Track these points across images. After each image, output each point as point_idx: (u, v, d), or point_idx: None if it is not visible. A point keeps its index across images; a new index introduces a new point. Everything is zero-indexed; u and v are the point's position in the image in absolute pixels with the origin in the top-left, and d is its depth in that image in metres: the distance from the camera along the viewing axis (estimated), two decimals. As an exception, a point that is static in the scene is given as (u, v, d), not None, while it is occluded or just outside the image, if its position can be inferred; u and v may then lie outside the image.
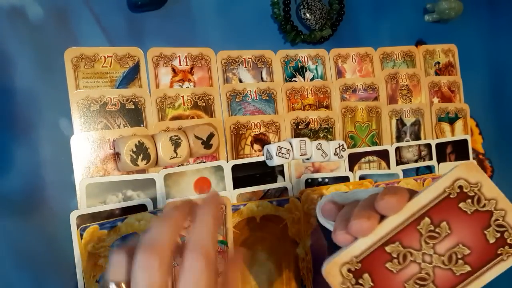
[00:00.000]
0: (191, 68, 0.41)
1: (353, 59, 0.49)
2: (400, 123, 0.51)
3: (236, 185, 0.42)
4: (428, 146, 0.53)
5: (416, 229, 0.23)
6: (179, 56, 0.41)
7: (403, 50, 0.52)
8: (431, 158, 0.53)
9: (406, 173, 0.51)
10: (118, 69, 0.39)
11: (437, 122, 0.54)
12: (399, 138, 0.51)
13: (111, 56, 0.38)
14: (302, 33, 0.46)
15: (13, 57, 0.35)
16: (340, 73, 0.49)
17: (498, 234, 0.23)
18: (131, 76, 0.39)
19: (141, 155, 0.36)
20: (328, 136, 0.47)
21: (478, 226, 0.22)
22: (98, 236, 0.36)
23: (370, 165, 0.49)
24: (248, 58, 0.44)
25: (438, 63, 0.55)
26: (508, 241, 0.23)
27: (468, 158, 0.55)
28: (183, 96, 0.41)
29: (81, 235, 0.36)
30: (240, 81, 0.44)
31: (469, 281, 0.23)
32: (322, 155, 0.45)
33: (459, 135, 0.55)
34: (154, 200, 0.39)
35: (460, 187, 0.23)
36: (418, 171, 0.52)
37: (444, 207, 0.23)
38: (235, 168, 0.42)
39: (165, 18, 0.41)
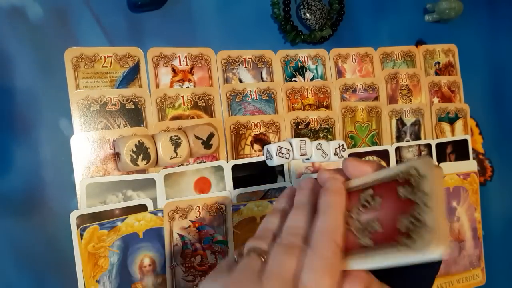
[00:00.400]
0: (191, 68, 0.41)
1: (353, 59, 0.49)
2: (400, 123, 0.51)
3: (236, 185, 0.42)
4: (428, 146, 0.53)
5: (359, 195, 0.24)
6: (179, 56, 0.41)
7: (403, 50, 0.52)
8: (431, 158, 0.53)
9: (406, 173, 0.51)
10: (118, 69, 0.39)
11: (437, 122, 0.54)
12: (399, 138, 0.51)
13: (111, 56, 0.38)
14: (302, 33, 0.46)
15: (13, 57, 0.35)
16: (340, 73, 0.49)
17: (411, 226, 0.22)
18: (131, 76, 0.39)
19: (141, 155, 0.36)
20: (328, 136, 0.47)
21: (399, 211, 0.23)
22: (98, 236, 0.36)
23: (370, 165, 0.49)
24: (248, 58, 0.44)
25: (438, 63, 0.55)
26: (412, 234, 0.22)
27: (468, 158, 0.55)
28: (183, 96, 0.41)
29: (81, 235, 0.36)
30: (240, 81, 0.44)
31: (364, 255, 0.23)
32: (322, 155, 0.45)
33: (459, 135, 0.55)
34: (154, 200, 0.39)
35: (409, 174, 0.23)
36: (418, 171, 0.52)
37: (387, 186, 0.23)
38: (235, 168, 0.42)
39: (165, 18, 0.41)
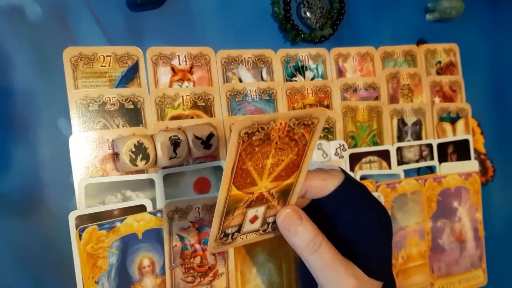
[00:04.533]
0: (191, 68, 0.41)
1: (354, 59, 0.49)
2: (401, 123, 0.51)
3: (236, 185, 0.42)
4: (429, 146, 0.52)
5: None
6: (179, 56, 0.41)
7: (404, 49, 0.52)
8: (432, 158, 0.52)
9: (408, 173, 0.50)
10: (117, 68, 0.38)
11: (438, 122, 0.53)
12: (400, 138, 0.51)
13: (110, 56, 0.38)
14: (303, 32, 0.45)
15: (11, 56, 0.35)
16: (340, 73, 0.48)
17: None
18: (130, 75, 0.39)
19: (140, 155, 0.36)
20: (329, 136, 0.47)
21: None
22: (97, 237, 0.36)
23: (371, 165, 0.49)
24: (248, 58, 0.44)
25: (440, 62, 0.54)
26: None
27: (469, 158, 0.55)
28: (182, 96, 0.40)
29: (80, 236, 0.36)
30: (240, 80, 0.43)
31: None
32: (322, 155, 0.44)
33: (460, 135, 0.55)
34: (153, 201, 0.38)
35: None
36: (419, 171, 0.51)
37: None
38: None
39: (165, 17, 0.40)
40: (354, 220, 0.30)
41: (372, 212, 0.31)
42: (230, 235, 0.28)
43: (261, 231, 0.30)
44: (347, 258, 0.28)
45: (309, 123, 0.24)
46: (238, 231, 0.28)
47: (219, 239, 0.28)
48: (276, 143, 0.24)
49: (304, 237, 0.28)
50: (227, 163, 0.23)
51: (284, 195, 0.28)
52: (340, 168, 0.32)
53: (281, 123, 0.23)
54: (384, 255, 0.31)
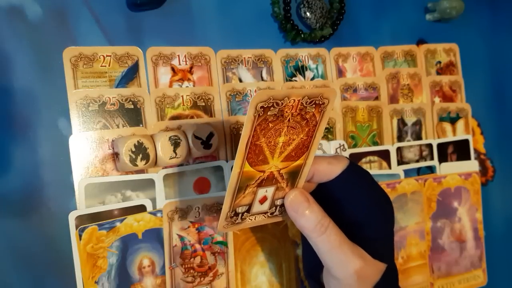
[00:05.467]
0: (191, 68, 0.41)
1: (354, 58, 0.49)
2: (401, 123, 0.51)
3: (236, 185, 0.42)
4: (429, 146, 0.52)
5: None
6: (179, 55, 0.41)
7: (404, 49, 0.52)
8: (432, 158, 0.52)
9: (407, 173, 0.50)
10: (117, 68, 0.38)
11: (438, 122, 0.53)
12: (400, 138, 0.51)
13: (110, 56, 0.38)
14: (303, 32, 0.45)
15: (11, 56, 0.35)
16: (340, 73, 0.48)
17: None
18: (130, 75, 0.39)
19: (140, 155, 0.36)
20: (329, 136, 0.47)
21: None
22: (97, 237, 0.36)
23: (371, 165, 0.49)
24: (248, 57, 0.44)
25: (440, 62, 0.54)
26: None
27: (469, 158, 0.55)
28: (182, 96, 0.40)
29: (80, 236, 0.36)
30: (240, 80, 0.43)
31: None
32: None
33: (460, 135, 0.55)
34: (153, 201, 0.38)
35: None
36: (419, 171, 0.51)
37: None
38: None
39: (165, 17, 0.40)
40: (359, 203, 0.31)
41: (376, 196, 0.32)
42: (240, 215, 0.29)
43: (269, 214, 0.30)
44: (352, 241, 0.29)
45: (320, 102, 0.25)
46: (248, 211, 0.29)
47: (229, 217, 0.28)
48: (289, 120, 0.25)
49: (311, 219, 0.28)
50: (242, 137, 0.24)
51: (292, 177, 0.29)
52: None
53: (294, 100, 0.24)
54: (387, 238, 0.32)
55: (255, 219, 0.30)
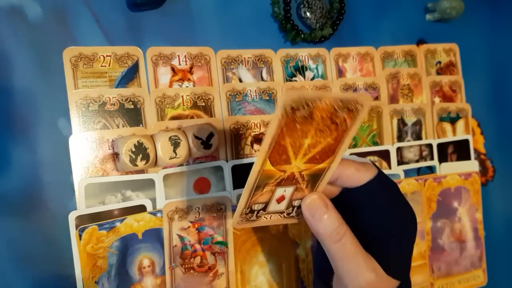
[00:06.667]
0: (191, 68, 0.41)
1: (354, 59, 0.49)
2: (401, 123, 0.51)
3: (236, 185, 0.42)
4: (430, 146, 0.52)
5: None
6: (179, 56, 0.41)
7: (404, 49, 0.52)
8: (432, 158, 0.52)
9: (407, 173, 0.50)
10: (117, 68, 0.38)
11: (438, 122, 0.53)
12: (400, 138, 0.51)
13: (110, 56, 0.38)
14: (303, 32, 0.45)
15: (11, 57, 0.35)
16: (340, 73, 0.48)
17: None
18: (130, 75, 0.39)
19: (140, 155, 0.36)
20: (329, 136, 0.47)
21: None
22: (97, 237, 0.36)
23: (371, 165, 0.49)
24: (248, 58, 0.44)
25: (440, 62, 0.54)
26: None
27: (469, 158, 0.55)
28: (182, 96, 0.40)
29: (80, 236, 0.36)
30: (240, 80, 0.43)
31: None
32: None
33: (460, 135, 0.55)
34: (153, 201, 0.38)
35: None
36: (419, 171, 0.51)
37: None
38: (235, 168, 0.42)
39: (165, 17, 0.40)
40: (382, 215, 0.30)
41: (401, 212, 0.31)
42: (256, 212, 0.28)
43: (285, 214, 0.30)
44: (368, 252, 0.28)
45: (353, 108, 0.24)
46: (264, 209, 0.28)
47: (245, 214, 0.28)
48: (318, 123, 0.24)
49: (328, 225, 0.28)
50: (268, 135, 0.23)
51: (313, 179, 0.28)
52: (372, 162, 0.31)
53: (326, 103, 0.23)
54: (405, 256, 0.31)
55: (270, 218, 0.29)
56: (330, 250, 0.28)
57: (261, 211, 0.28)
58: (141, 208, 0.38)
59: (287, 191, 0.28)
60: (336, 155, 0.26)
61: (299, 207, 0.29)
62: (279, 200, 0.28)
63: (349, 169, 0.29)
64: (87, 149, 0.37)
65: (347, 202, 0.30)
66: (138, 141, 0.36)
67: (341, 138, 0.25)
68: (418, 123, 0.52)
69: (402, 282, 0.30)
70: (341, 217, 0.28)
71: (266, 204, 0.28)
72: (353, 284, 0.28)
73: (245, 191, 0.26)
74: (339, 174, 0.29)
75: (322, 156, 0.26)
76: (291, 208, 0.30)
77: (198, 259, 0.40)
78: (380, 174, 0.30)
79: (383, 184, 0.30)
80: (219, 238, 0.41)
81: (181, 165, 0.40)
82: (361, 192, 0.29)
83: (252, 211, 0.28)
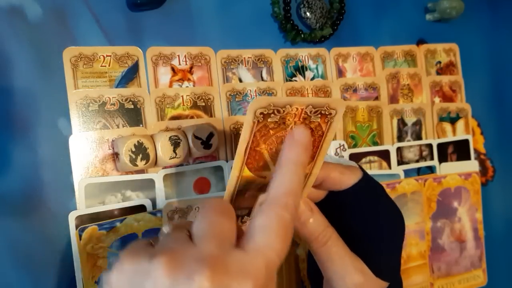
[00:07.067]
0: (191, 68, 0.41)
1: (354, 59, 0.49)
2: (401, 123, 0.51)
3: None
4: (429, 146, 0.52)
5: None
6: (179, 56, 0.41)
7: (404, 49, 0.52)
8: (432, 158, 0.52)
9: (407, 173, 0.50)
10: (117, 68, 0.38)
11: (438, 122, 0.53)
12: (400, 138, 0.51)
13: (110, 56, 0.38)
14: (303, 32, 0.45)
15: (11, 57, 0.35)
16: (340, 73, 0.48)
17: None
18: (130, 75, 0.39)
19: (140, 155, 0.36)
20: (329, 136, 0.47)
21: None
22: (97, 237, 0.36)
23: (371, 165, 0.49)
24: (248, 58, 0.44)
25: (440, 62, 0.54)
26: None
27: (469, 158, 0.55)
28: (182, 96, 0.40)
29: (80, 236, 0.36)
30: (240, 80, 0.43)
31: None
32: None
33: (460, 135, 0.55)
34: (153, 201, 0.38)
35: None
36: (419, 171, 0.51)
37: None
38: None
39: (165, 17, 0.40)
40: (368, 217, 0.30)
41: (387, 213, 0.31)
42: (240, 218, 0.28)
43: None
44: (356, 254, 0.29)
45: (327, 113, 0.24)
46: (248, 214, 0.28)
47: None
48: (291, 128, 0.24)
49: (314, 229, 0.28)
50: (241, 142, 0.23)
51: None
52: (358, 165, 0.31)
53: (297, 109, 0.23)
54: (393, 257, 0.31)
55: None
56: (318, 253, 0.28)
57: (246, 216, 0.28)
58: (141, 208, 0.38)
59: None
60: (316, 161, 0.26)
61: None
62: None
63: (333, 173, 0.29)
64: (87, 149, 0.37)
65: (333, 205, 0.30)
66: (138, 141, 0.36)
67: (318, 143, 0.25)
68: (418, 123, 0.52)
69: (391, 283, 0.30)
70: (326, 220, 0.28)
71: (250, 209, 0.28)
72: (341, 286, 0.28)
73: (226, 197, 0.26)
74: (324, 178, 0.29)
75: None
76: None
77: (198, 259, 0.40)
78: (365, 177, 0.30)
79: (368, 186, 0.30)
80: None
81: (181, 165, 0.40)
82: (347, 195, 0.29)
83: (236, 217, 0.28)
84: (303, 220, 0.28)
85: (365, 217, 0.30)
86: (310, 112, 0.23)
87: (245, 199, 0.27)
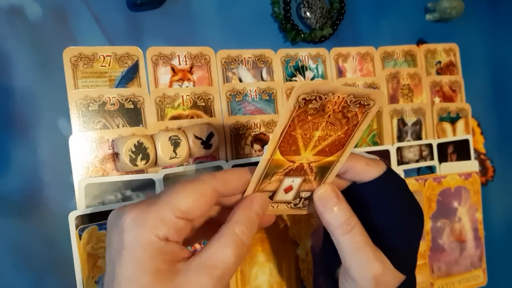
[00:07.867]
0: (191, 68, 0.41)
1: (354, 58, 0.49)
2: (401, 123, 0.51)
3: (236, 185, 0.42)
4: (430, 146, 0.52)
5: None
6: (179, 55, 0.41)
7: (404, 49, 0.52)
8: (432, 158, 0.52)
9: (407, 173, 0.50)
10: (117, 68, 0.38)
11: (438, 122, 0.53)
12: (400, 138, 0.51)
13: (110, 56, 0.38)
14: (303, 32, 0.45)
15: (11, 57, 0.35)
16: (340, 73, 0.48)
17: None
18: (130, 75, 0.39)
19: (140, 155, 0.36)
20: (329, 136, 0.47)
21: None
22: (97, 237, 0.36)
23: (371, 165, 0.49)
24: (248, 57, 0.44)
25: (440, 62, 0.54)
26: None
27: (469, 158, 0.55)
28: (182, 96, 0.40)
29: (80, 236, 0.36)
30: (240, 80, 0.43)
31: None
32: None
33: (460, 135, 0.55)
34: (153, 201, 0.38)
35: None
36: (419, 171, 0.51)
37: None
38: (235, 168, 0.42)
39: (165, 17, 0.40)
40: (390, 211, 0.30)
41: (409, 208, 0.31)
42: None
43: (292, 205, 0.30)
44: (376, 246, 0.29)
45: (365, 103, 0.24)
46: (271, 197, 0.29)
47: None
48: (329, 116, 0.24)
49: (339, 216, 0.28)
50: (279, 125, 0.23)
51: (322, 171, 0.28)
52: (382, 159, 0.32)
53: (338, 97, 0.23)
54: (412, 250, 0.31)
55: (277, 207, 0.30)
56: (340, 241, 0.28)
57: (269, 199, 0.29)
58: (141, 208, 0.38)
59: (295, 181, 0.28)
60: (345, 149, 0.27)
61: (306, 198, 0.30)
62: (287, 190, 0.29)
63: (358, 163, 0.29)
64: (87, 149, 0.37)
65: (355, 197, 0.30)
66: (138, 141, 0.36)
67: (351, 132, 0.26)
68: (418, 123, 0.52)
69: (407, 277, 0.30)
70: (351, 209, 0.28)
71: (274, 193, 0.28)
72: (361, 276, 0.28)
73: (254, 178, 0.27)
74: (349, 168, 0.29)
75: (332, 149, 0.26)
76: (298, 199, 0.30)
77: (198, 259, 0.40)
78: (389, 171, 0.30)
79: (392, 181, 0.30)
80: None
81: (181, 165, 0.40)
82: (370, 187, 0.29)
83: None
84: (329, 207, 0.28)
85: (387, 210, 0.30)
86: (350, 101, 0.24)
87: (270, 182, 0.27)
